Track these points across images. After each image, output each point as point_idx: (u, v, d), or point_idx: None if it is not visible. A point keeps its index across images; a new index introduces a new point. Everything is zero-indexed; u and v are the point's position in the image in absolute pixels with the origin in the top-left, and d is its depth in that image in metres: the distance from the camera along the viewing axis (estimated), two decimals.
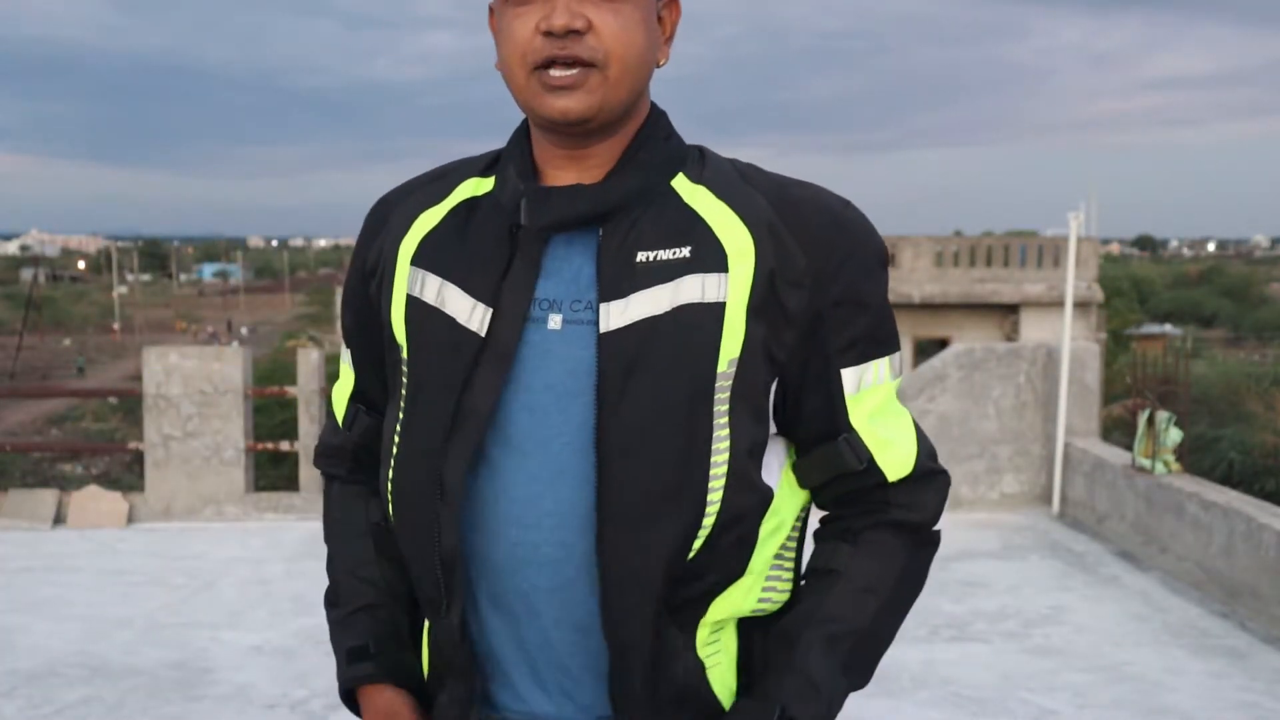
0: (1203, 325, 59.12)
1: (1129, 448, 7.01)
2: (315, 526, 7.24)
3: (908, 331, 24.50)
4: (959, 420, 7.69)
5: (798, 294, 1.24)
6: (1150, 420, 6.56)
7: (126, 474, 21.29)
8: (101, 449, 23.29)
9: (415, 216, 1.35)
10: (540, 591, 1.25)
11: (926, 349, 21.90)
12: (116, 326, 67.41)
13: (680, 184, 1.28)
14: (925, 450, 1.35)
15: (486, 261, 1.27)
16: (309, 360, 7.82)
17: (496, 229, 1.28)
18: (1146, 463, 6.51)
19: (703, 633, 1.28)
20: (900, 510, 1.33)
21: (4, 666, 4.72)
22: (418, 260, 1.31)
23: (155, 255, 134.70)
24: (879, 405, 1.31)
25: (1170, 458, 6.49)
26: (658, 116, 1.31)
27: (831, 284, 1.26)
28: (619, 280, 1.23)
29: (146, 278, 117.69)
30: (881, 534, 1.33)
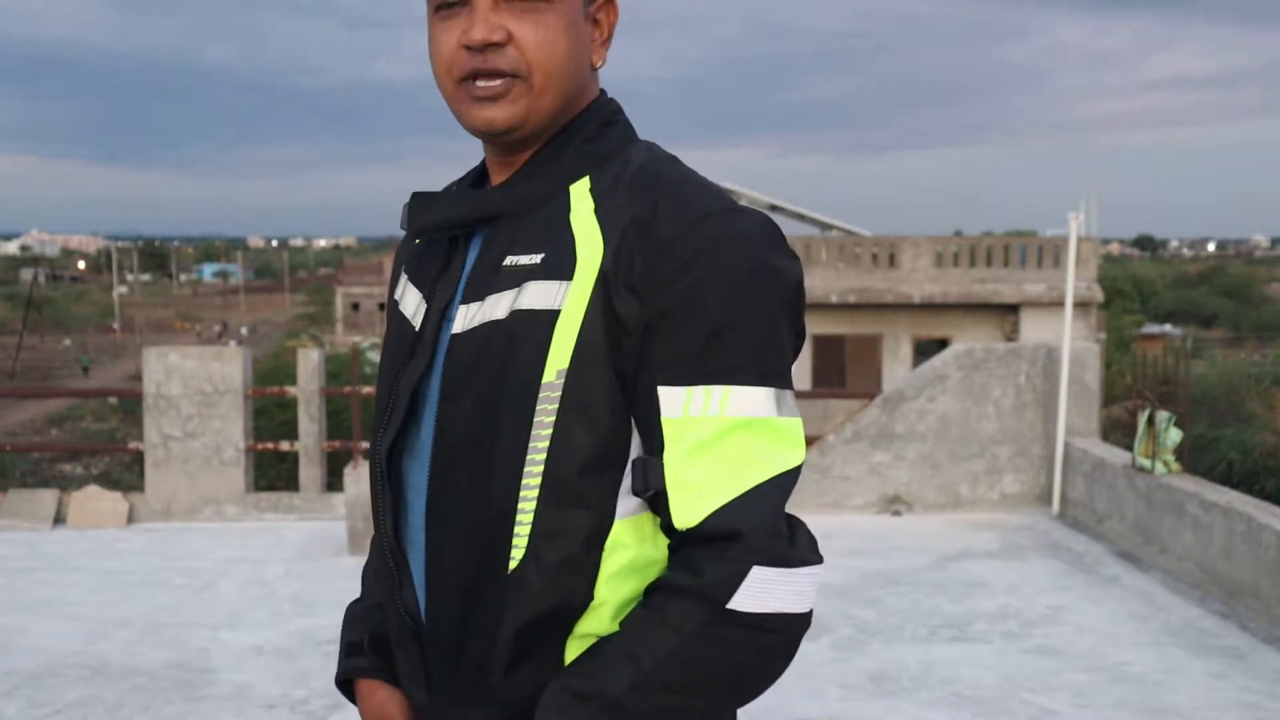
0: (1203, 325, 59.17)
1: (1129, 448, 7.01)
2: (315, 526, 7.27)
3: (907, 331, 24.51)
4: (959, 420, 7.69)
5: (631, 301, 1.17)
6: (1150, 420, 6.56)
7: (126, 474, 21.31)
8: (101, 449, 23.30)
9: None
10: (418, 574, 1.31)
11: (926, 349, 21.90)
12: (117, 326, 67.45)
13: (578, 189, 1.26)
14: (739, 510, 1.16)
15: (433, 262, 1.34)
16: (309, 360, 7.82)
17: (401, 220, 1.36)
18: (1146, 463, 6.51)
19: (574, 644, 1.23)
20: (676, 571, 1.18)
21: (4, 666, 4.72)
22: (405, 264, 1.41)
23: (155, 255, 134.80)
24: (706, 441, 1.17)
25: (1170, 458, 6.49)
26: (590, 117, 1.29)
27: (665, 292, 1.17)
28: (479, 283, 1.26)
29: (146, 278, 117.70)
30: (665, 599, 1.17)
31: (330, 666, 4.65)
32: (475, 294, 1.25)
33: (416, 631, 1.32)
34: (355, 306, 54.71)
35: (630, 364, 1.19)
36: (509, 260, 1.24)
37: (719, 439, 1.17)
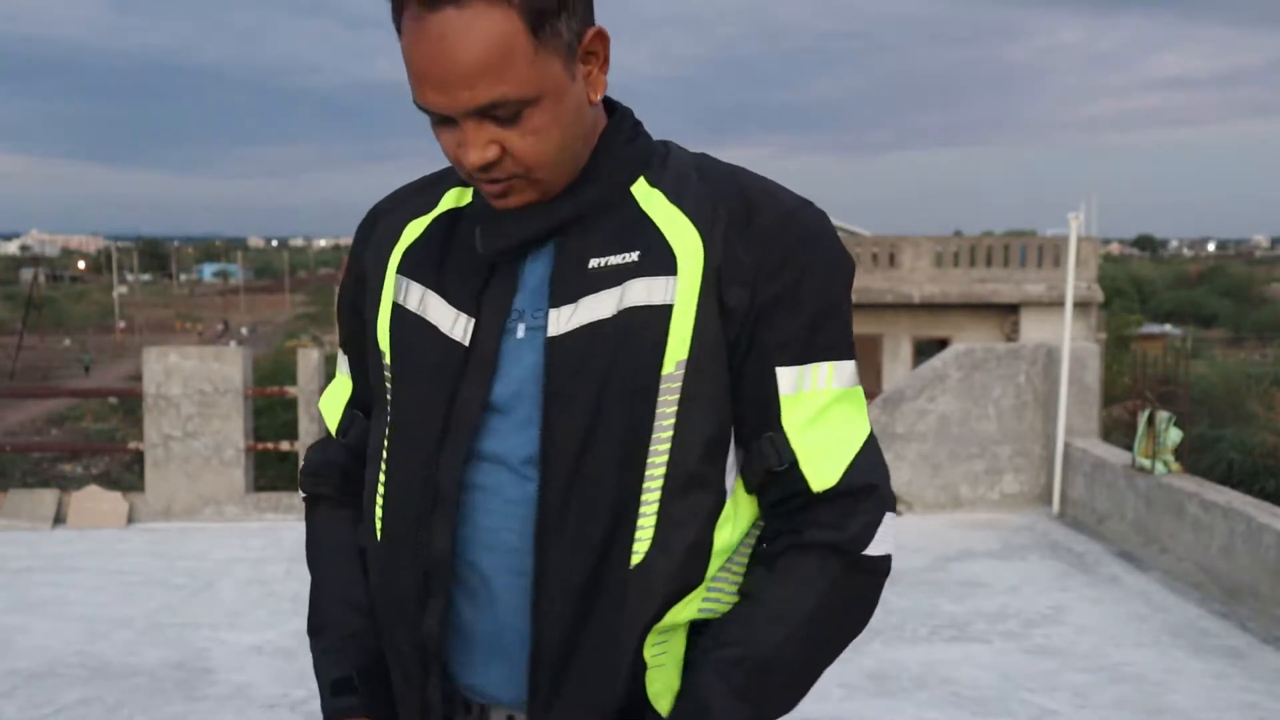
0: (1203, 325, 59.21)
1: (1129, 448, 7.02)
2: None
3: (907, 331, 24.52)
4: (959, 420, 7.69)
5: (740, 292, 1.25)
6: (1150, 420, 6.56)
7: (126, 474, 21.29)
8: (101, 449, 23.31)
9: (404, 226, 1.39)
10: (496, 574, 1.29)
11: (926, 349, 21.91)
12: (122, 325, 67.48)
13: (639, 189, 1.30)
14: (864, 468, 1.29)
15: (467, 273, 1.31)
16: (309, 360, 7.82)
17: (476, 242, 1.32)
18: (1146, 463, 6.52)
19: (652, 637, 1.28)
20: (820, 530, 1.27)
21: (4, 666, 4.72)
22: (403, 269, 1.35)
23: (155, 255, 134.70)
24: (819, 412, 1.29)
25: (1170, 458, 6.49)
26: (618, 123, 1.32)
27: (771, 281, 1.26)
28: (569, 286, 1.26)
29: (146, 278, 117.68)
30: (800, 558, 1.27)
31: None
32: (566, 298, 1.25)
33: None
34: None
35: (738, 349, 1.26)
36: (595, 262, 1.25)
37: (829, 409, 1.29)
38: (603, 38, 1.25)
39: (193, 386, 7.60)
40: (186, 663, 4.77)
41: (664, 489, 1.24)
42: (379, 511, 1.35)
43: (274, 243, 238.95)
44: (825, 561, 1.27)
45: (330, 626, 1.42)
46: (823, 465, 1.27)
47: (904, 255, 25.07)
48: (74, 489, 7.97)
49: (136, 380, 8.63)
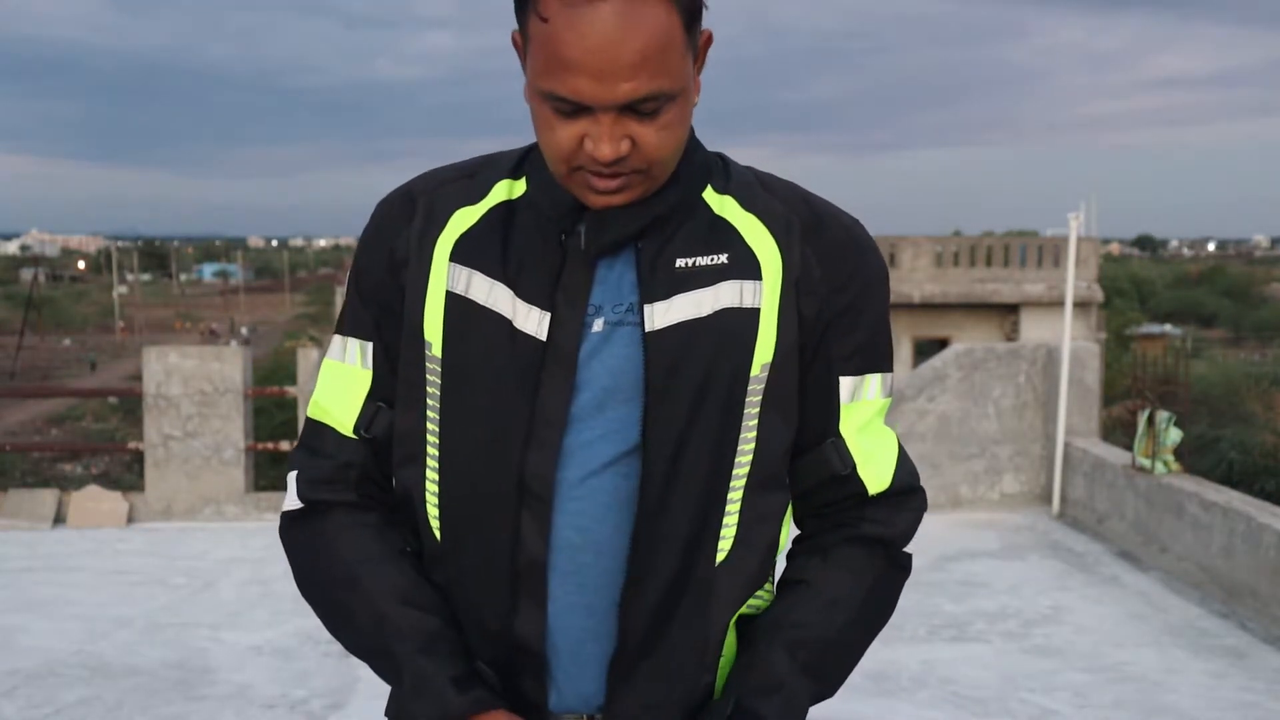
0: (1203, 325, 59.23)
1: (1129, 448, 7.02)
2: None
3: (907, 331, 24.52)
4: (959, 420, 7.69)
5: (812, 302, 1.30)
6: (1150, 420, 6.56)
7: (126, 474, 21.28)
8: (101, 449, 23.30)
9: (451, 212, 1.32)
10: (555, 574, 1.27)
11: (926, 349, 21.90)
12: (122, 325, 67.49)
13: (709, 195, 1.32)
14: (906, 470, 1.39)
15: (538, 267, 1.28)
16: (309, 360, 7.82)
17: (545, 236, 1.28)
18: (1146, 463, 6.52)
19: (728, 636, 1.32)
20: (872, 525, 1.36)
21: (4, 666, 4.72)
22: (458, 257, 1.29)
23: (155, 255, 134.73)
24: (868, 420, 1.36)
25: (1170, 458, 6.49)
26: (689, 132, 1.32)
27: (841, 294, 1.31)
28: (660, 284, 1.27)
29: (146, 278, 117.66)
30: (852, 549, 1.35)
31: (330, 666, 4.65)
32: (658, 295, 1.26)
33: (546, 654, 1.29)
34: None
35: (804, 356, 1.31)
36: (682, 262, 1.27)
37: (876, 417, 1.37)
38: (710, 41, 1.26)
39: (193, 386, 7.60)
40: (186, 663, 4.77)
41: (746, 487, 1.29)
42: (433, 511, 1.30)
43: (274, 243, 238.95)
44: (874, 554, 1.35)
45: (408, 628, 1.29)
46: (877, 470, 1.36)
47: (904, 255, 25.07)
48: (74, 489, 7.97)
49: (137, 380, 8.63)
